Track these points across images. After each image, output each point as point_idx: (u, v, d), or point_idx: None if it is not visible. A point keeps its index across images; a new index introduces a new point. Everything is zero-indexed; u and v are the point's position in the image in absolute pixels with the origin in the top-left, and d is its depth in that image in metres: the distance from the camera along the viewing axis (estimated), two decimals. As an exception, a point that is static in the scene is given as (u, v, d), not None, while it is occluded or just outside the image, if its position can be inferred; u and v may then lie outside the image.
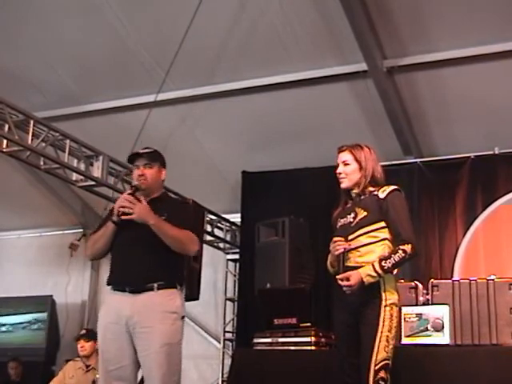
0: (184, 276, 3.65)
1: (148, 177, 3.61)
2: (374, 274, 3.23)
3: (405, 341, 4.28)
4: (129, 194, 3.50)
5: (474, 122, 6.29)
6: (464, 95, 6.06)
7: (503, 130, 6.20)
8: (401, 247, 3.26)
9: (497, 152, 6.27)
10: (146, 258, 3.44)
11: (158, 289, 3.43)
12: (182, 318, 3.53)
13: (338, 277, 3.29)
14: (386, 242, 3.36)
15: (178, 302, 3.51)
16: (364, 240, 3.35)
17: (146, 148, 3.70)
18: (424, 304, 4.50)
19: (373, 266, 3.24)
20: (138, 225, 3.43)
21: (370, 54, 5.58)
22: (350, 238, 3.38)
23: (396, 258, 3.24)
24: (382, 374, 3.18)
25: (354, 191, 3.48)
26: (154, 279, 3.44)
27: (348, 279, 3.24)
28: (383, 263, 3.23)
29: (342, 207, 3.55)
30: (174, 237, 3.44)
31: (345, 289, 3.26)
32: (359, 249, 3.35)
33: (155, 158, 3.67)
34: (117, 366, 3.37)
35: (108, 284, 3.55)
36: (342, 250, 3.34)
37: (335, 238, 3.37)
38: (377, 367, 3.18)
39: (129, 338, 3.39)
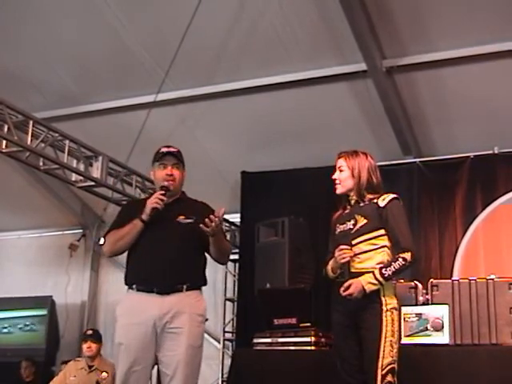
0: (206, 278, 3.63)
1: (176, 177, 3.59)
2: (375, 282, 3.29)
3: (404, 340, 4.27)
4: (161, 194, 3.46)
5: (473, 121, 6.29)
6: (463, 95, 6.06)
7: (503, 129, 6.20)
8: (401, 255, 3.32)
9: (496, 152, 6.26)
10: (175, 259, 3.42)
11: (187, 290, 3.42)
12: (206, 320, 3.55)
13: (341, 289, 3.32)
14: (386, 249, 3.41)
15: (204, 305, 3.53)
16: (364, 247, 3.40)
17: (169, 147, 3.64)
18: (424, 304, 4.51)
19: (373, 273, 3.29)
20: (166, 225, 3.43)
21: (369, 54, 5.58)
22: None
23: (396, 265, 3.30)
24: (389, 377, 3.24)
25: (353, 198, 3.52)
26: (183, 281, 3.43)
27: (349, 287, 3.28)
28: (383, 271, 3.29)
29: (341, 212, 3.58)
30: (226, 245, 3.59)
31: (347, 297, 3.30)
32: (359, 255, 3.40)
33: (181, 159, 3.65)
34: (139, 367, 3.35)
35: (130, 283, 3.48)
36: (348, 258, 3.36)
37: (341, 246, 3.40)
38: (383, 372, 3.23)
39: (153, 339, 3.37)
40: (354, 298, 3.29)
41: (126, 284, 3.52)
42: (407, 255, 3.31)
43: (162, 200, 3.44)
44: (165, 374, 3.38)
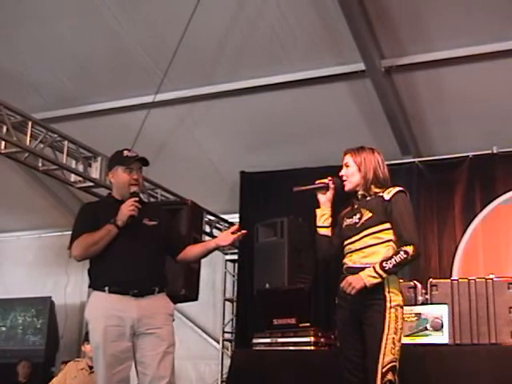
0: (168, 279, 3.71)
1: (140, 182, 3.64)
2: (375, 275, 3.25)
3: (404, 340, 4.23)
4: (135, 201, 3.49)
5: (472, 121, 6.29)
6: (462, 94, 6.06)
7: (501, 129, 6.21)
8: (402, 248, 3.28)
9: (495, 151, 6.27)
10: (148, 263, 3.47)
11: (158, 292, 3.50)
12: (173, 321, 3.62)
13: (341, 285, 3.32)
14: (391, 243, 3.38)
15: (172, 305, 3.62)
16: (369, 241, 3.39)
17: (128, 150, 3.68)
18: (423, 303, 4.51)
19: (373, 267, 3.26)
20: (135, 228, 3.47)
21: (367, 54, 5.58)
22: (355, 238, 3.43)
23: (397, 258, 3.25)
24: (389, 375, 3.21)
25: (360, 192, 3.52)
26: (156, 283, 3.51)
27: (350, 284, 3.27)
28: (384, 264, 3.25)
29: (350, 208, 3.59)
30: None
31: (351, 293, 3.28)
32: (363, 250, 3.39)
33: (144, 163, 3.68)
34: (120, 367, 3.37)
35: (101, 285, 3.47)
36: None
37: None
38: (384, 369, 3.21)
39: (131, 340, 3.41)
40: (355, 293, 3.26)
41: (93, 286, 3.52)
42: (409, 248, 3.26)
43: (137, 207, 3.47)
44: (144, 375, 3.41)
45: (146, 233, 3.51)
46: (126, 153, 3.63)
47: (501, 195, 6.20)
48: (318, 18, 5.59)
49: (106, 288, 3.44)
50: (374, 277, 3.25)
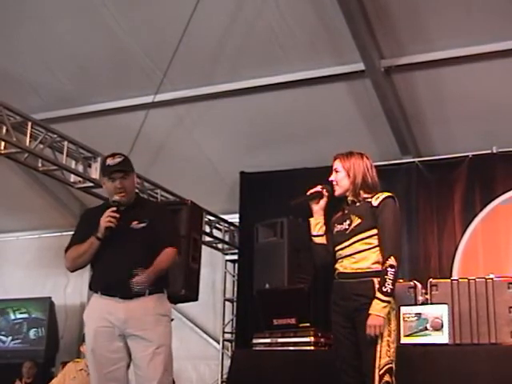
0: (169, 280, 3.69)
1: (127, 189, 3.59)
2: (384, 304, 3.24)
3: (404, 340, 4.27)
4: (114, 211, 3.47)
5: (471, 121, 6.29)
6: (462, 94, 6.06)
7: (501, 128, 6.21)
8: (387, 264, 3.28)
9: (495, 151, 6.27)
10: (134, 265, 3.44)
11: (150, 294, 3.48)
12: (172, 320, 3.61)
13: (367, 333, 3.23)
14: None
15: (168, 306, 3.61)
16: (359, 247, 3.40)
17: (115, 155, 3.63)
18: (423, 303, 4.50)
19: (377, 298, 3.25)
20: (122, 232, 3.47)
21: (367, 54, 5.59)
22: (345, 244, 3.44)
23: (390, 276, 3.25)
24: (386, 378, 3.22)
25: (349, 198, 3.53)
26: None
27: (374, 327, 3.23)
28: (383, 289, 3.25)
29: (341, 213, 3.59)
30: (167, 267, 3.55)
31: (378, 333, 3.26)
32: (354, 255, 3.40)
33: (129, 167, 3.64)
34: (113, 368, 3.41)
35: (95, 289, 3.53)
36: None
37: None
38: (381, 372, 3.21)
39: (122, 340, 3.43)
40: (382, 329, 3.23)
41: (91, 289, 3.58)
42: (391, 260, 3.28)
43: (114, 217, 3.46)
44: (138, 376, 3.43)
45: (132, 236, 3.51)
46: (108, 161, 3.60)
47: (500, 195, 6.20)
48: (318, 19, 5.59)
49: (99, 292, 3.50)
50: (384, 306, 3.24)
